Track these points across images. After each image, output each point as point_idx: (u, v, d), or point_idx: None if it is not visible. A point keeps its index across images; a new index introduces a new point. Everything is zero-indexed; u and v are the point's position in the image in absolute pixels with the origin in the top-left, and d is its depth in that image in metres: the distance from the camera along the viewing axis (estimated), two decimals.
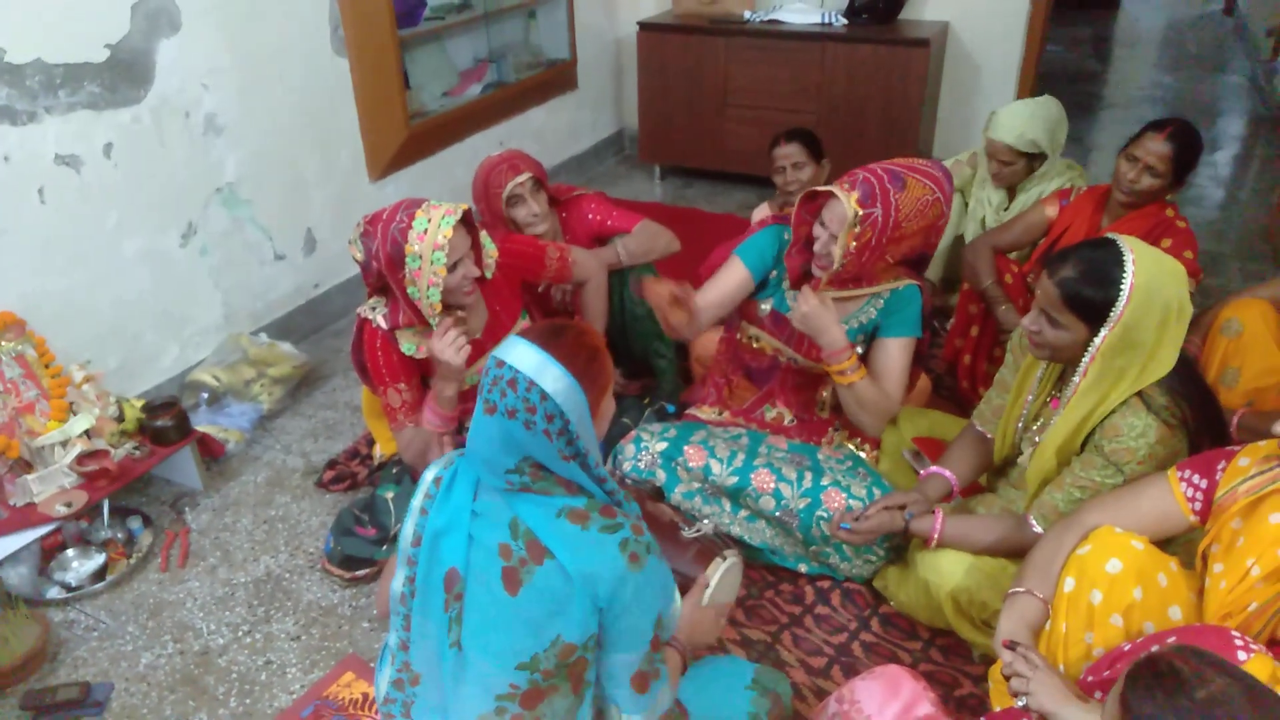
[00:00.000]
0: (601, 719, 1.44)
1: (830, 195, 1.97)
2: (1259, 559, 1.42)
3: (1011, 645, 1.50)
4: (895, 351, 2.14)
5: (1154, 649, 1.25)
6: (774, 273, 2.23)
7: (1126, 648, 1.43)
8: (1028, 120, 2.83)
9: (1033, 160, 2.91)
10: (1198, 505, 1.55)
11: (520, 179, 2.45)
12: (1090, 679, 1.45)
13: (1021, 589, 1.60)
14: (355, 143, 3.47)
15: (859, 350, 2.12)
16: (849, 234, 1.93)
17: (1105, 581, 1.49)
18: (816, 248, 2.03)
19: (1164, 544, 1.60)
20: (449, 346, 2.01)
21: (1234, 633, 1.37)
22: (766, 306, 2.22)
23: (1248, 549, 1.44)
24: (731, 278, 2.19)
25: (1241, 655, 1.30)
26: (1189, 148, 2.45)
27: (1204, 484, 1.55)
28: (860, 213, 1.91)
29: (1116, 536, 1.53)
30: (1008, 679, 1.46)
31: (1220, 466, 1.54)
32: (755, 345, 2.28)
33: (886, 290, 2.14)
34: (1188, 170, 2.49)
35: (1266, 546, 1.42)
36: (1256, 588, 1.42)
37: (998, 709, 1.65)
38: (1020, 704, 1.42)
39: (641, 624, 1.33)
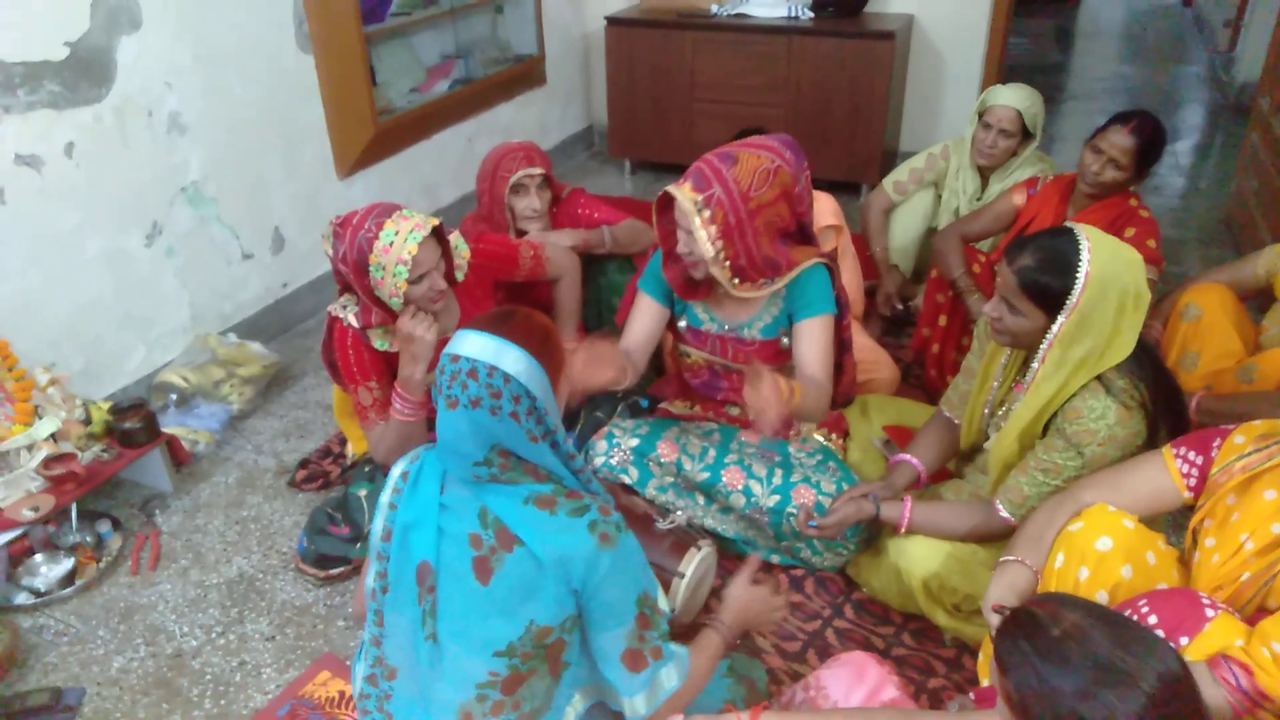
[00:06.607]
0: (603, 709, 1.44)
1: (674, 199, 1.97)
2: (1253, 534, 1.45)
3: (1001, 610, 1.52)
4: (812, 331, 2.09)
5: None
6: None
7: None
8: (1030, 95, 2.88)
9: (1021, 142, 2.94)
10: (1192, 481, 1.57)
11: (532, 170, 2.54)
12: None
13: (1013, 558, 1.62)
14: (322, 140, 3.44)
15: (784, 342, 2.13)
16: (700, 221, 1.91)
17: (1094, 559, 1.51)
18: (679, 250, 2.01)
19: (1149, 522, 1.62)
20: (419, 324, 2.02)
21: (1201, 594, 1.40)
22: (682, 323, 2.23)
23: (1242, 524, 1.47)
24: (644, 312, 2.21)
25: (1209, 613, 1.34)
26: (1152, 141, 2.49)
27: (1199, 460, 1.56)
28: (699, 198, 1.90)
29: (1108, 515, 1.54)
30: None
31: (1216, 444, 1.55)
32: (689, 360, 2.29)
33: (790, 278, 2.09)
34: (1151, 163, 2.53)
35: (1261, 521, 1.45)
36: (1250, 561, 1.44)
37: (985, 683, 1.67)
38: None
39: (621, 601, 1.34)
